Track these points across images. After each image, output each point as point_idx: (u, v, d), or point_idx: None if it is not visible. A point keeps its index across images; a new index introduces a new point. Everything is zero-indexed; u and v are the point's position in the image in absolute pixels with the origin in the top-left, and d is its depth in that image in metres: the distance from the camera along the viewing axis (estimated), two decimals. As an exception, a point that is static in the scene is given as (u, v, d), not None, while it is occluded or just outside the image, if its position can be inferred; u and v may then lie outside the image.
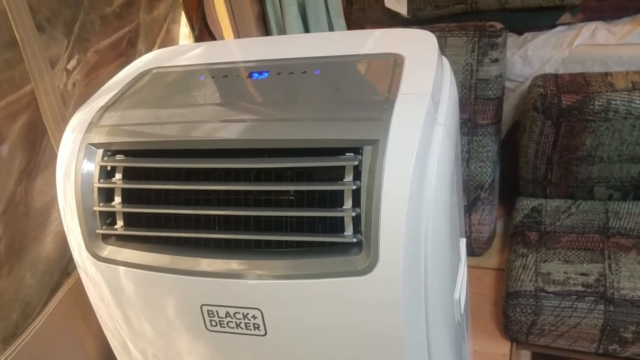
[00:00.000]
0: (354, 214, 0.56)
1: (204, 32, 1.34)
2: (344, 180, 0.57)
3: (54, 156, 0.86)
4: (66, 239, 0.70)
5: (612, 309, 1.12)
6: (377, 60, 0.70)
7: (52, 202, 0.88)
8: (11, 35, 0.79)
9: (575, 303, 1.15)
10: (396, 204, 0.55)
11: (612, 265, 1.19)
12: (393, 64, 0.67)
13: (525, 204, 1.44)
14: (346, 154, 0.57)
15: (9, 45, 0.80)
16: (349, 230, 0.58)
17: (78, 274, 0.84)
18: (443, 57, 0.73)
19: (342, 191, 0.58)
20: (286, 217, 0.61)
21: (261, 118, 0.63)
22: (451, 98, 0.68)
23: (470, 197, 1.45)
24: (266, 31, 1.50)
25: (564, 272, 1.20)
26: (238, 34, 1.43)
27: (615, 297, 1.13)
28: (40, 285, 0.86)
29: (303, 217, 0.60)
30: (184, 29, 1.31)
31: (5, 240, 0.80)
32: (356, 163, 0.57)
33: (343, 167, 0.58)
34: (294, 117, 0.62)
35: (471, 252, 1.52)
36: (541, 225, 1.36)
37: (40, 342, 0.81)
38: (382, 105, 0.59)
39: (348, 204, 0.57)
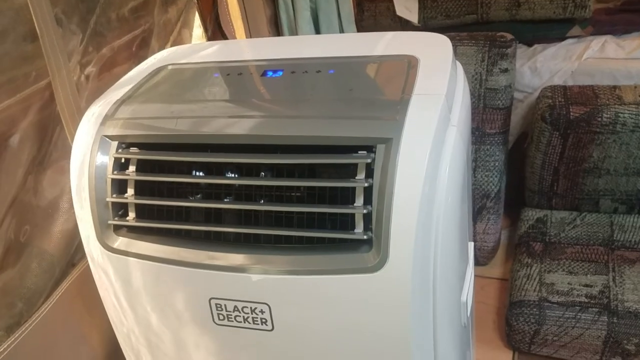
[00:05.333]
0: (365, 211, 0.57)
1: (217, 33, 1.35)
2: (356, 177, 0.58)
3: (66, 148, 0.87)
4: (73, 230, 0.70)
5: (615, 320, 1.12)
6: (391, 62, 0.71)
7: (62, 193, 0.89)
8: (30, 29, 0.80)
9: (579, 314, 1.14)
10: (408, 203, 0.55)
11: (616, 278, 1.19)
12: (407, 65, 0.67)
13: (531, 215, 1.44)
14: (359, 152, 0.58)
15: (28, 38, 0.81)
16: (359, 228, 0.58)
17: (84, 265, 0.85)
18: (457, 61, 0.74)
19: (353, 189, 0.58)
20: (296, 213, 0.61)
21: (274, 115, 0.64)
22: (464, 101, 0.68)
23: (476, 205, 1.45)
24: (278, 34, 1.52)
25: (568, 283, 1.20)
26: (251, 36, 1.44)
27: (619, 309, 1.13)
28: (45, 275, 0.86)
29: (313, 213, 0.60)
30: (197, 29, 1.32)
31: (14, 229, 0.80)
32: (369, 161, 0.57)
33: (355, 165, 0.58)
34: (307, 114, 0.62)
35: (475, 261, 1.51)
36: (546, 236, 1.36)
37: (44, 332, 0.82)
38: (396, 105, 0.59)
39: (359, 201, 0.58)
